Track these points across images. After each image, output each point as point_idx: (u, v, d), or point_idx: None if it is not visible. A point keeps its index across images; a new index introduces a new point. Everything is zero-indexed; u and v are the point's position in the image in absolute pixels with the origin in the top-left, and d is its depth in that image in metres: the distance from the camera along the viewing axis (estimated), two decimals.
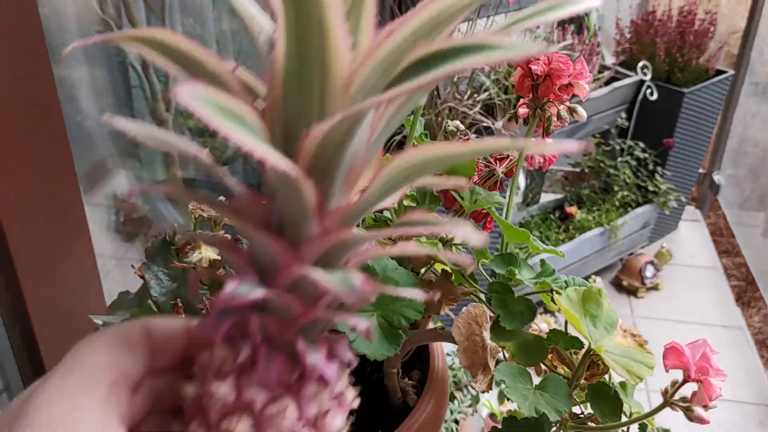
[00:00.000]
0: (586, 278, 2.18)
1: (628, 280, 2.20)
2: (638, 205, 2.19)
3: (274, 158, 0.22)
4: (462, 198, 0.51)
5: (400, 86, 0.24)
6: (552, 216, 2.18)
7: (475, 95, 1.73)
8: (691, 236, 2.50)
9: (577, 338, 0.43)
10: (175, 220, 1.95)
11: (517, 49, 0.23)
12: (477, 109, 1.70)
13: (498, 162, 0.55)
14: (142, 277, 0.50)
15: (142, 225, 1.91)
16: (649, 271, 2.19)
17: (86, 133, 1.67)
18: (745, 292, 2.31)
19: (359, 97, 0.25)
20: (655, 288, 2.22)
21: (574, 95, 0.50)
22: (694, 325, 2.11)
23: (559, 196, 2.23)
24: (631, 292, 2.20)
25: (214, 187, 1.84)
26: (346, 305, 0.31)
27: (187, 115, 1.68)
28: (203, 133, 1.77)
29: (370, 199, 0.26)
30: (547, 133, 0.50)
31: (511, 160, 0.54)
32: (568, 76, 0.47)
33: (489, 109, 1.85)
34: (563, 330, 0.44)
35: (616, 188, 2.14)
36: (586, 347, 0.42)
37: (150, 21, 1.39)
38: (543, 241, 2.08)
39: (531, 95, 0.49)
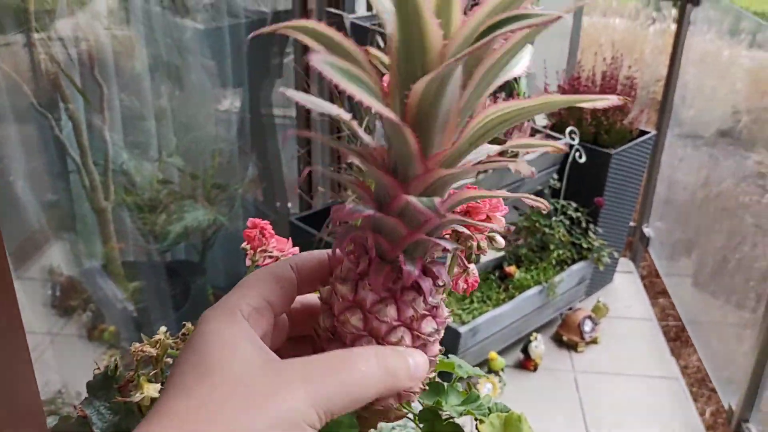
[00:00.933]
0: (528, 336, 2.24)
1: (567, 335, 2.26)
2: (574, 261, 2.27)
3: (380, 108, 0.30)
4: None
5: (473, 46, 0.32)
6: (492, 276, 2.23)
7: None
8: (626, 288, 2.60)
9: None
10: (115, 296, 1.93)
11: (545, 17, 0.30)
12: None
13: None
14: (83, 416, 0.51)
15: (82, 301, 1.88)
16: (588, 326, 2.26)
17: (18, 206, 1.65)
18: (682, 331, 2.40)
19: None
20: (594, 342, 2.28)
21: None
22: (633, 377, 2.18)
23: (498, 255, 2.29)
24: (572, 346, 2.26)
25: (154, 266, 1.83)
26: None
27: (127, 194, 1.68)
28: (142, 210, 1.77)
29: (462, 147, 0.35)
30: (469, 260, 0.54)
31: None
32: (485, 212, 0.51)
33: None
34: None
35: (552, 247, 2.22)
36: None
37: (87, 110, 1.40)
38: (485, 301, 2.15)
39: (453, 230, 0.53)
